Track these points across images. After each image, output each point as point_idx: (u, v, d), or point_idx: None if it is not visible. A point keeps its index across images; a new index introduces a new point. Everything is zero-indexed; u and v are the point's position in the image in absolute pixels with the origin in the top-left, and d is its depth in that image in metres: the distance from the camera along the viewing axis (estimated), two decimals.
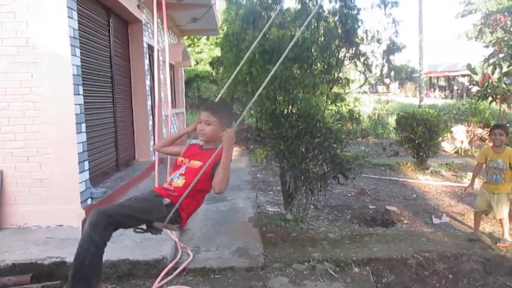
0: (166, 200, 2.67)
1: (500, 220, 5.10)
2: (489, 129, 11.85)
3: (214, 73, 19.82)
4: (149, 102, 8.33)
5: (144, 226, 2.75)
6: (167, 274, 3.92)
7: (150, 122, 8.33)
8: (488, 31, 8.76)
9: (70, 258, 3.92)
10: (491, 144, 5.28)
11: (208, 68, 22.34)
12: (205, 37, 22.76)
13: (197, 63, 23.12)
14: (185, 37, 16.49)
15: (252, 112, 5.66)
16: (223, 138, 2.65)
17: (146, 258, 4.05)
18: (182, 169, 2.81)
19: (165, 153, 3.27)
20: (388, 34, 5.85)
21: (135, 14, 7.43)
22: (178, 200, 2.65)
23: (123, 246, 4.35)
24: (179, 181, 2.74)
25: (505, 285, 4.14)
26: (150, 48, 8.51)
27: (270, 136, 5.24)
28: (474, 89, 25.97)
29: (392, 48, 5.91)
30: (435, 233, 5.32)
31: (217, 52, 22.84)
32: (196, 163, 2.76)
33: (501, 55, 8.30)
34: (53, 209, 4.77)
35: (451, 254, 4.55)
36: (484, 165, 5.13)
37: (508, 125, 5.69)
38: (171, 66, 11.55)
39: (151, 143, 8.34)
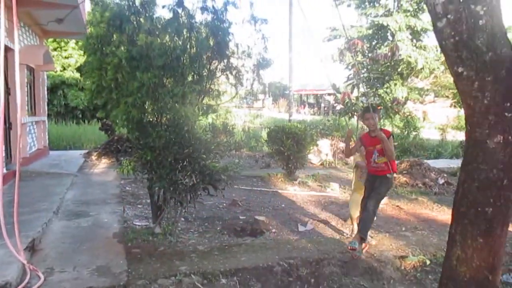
0: (389, 175, 4.96)
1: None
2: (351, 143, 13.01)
3: (82, 80, 18.54)
4: None
5: None
6: None
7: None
8: (349, 55, 9.59)
9: None
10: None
11: (76, 74, 20.85)
12: (74, 41, 21.23)
13: (64, 68, 21.41)
14: (50, 39, 15.17)
15: (117, 121, 5.34)
16: (379, 134, 4.76)
17: None
18: (375, 153, 4.92)
19: (354, 152, 5.51)
20: (258, 49, 6.03)
21: None
22: (390, 167, 4.90)
23: None
24: (381, 159, 4.89)
25: (359, 285, 4.47)
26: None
27: (137, 146, 4.99)
28: (339, 107, 28.50)
29: (262, 63, 6.10)
30: (300, 240, 5.56)
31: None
32: (379, 146, 4.84)
33: (358, 77, 9.19)
34: None
35: (313, 259, 4.79)
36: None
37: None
38: (31, 70, 10.48)
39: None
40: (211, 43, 5.63)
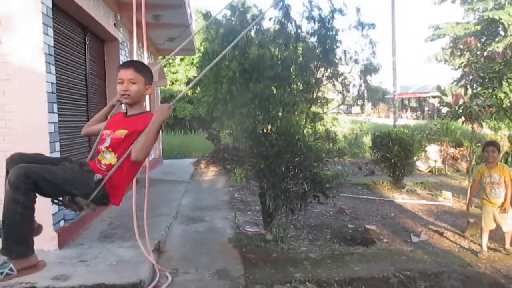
0: (98, 176, 2.30)
1: (506, 232, 5.36)
2: (461, 149, 12.14)
3: (189, 93, 19.74)
4: None
5: (63, 198, 2.41)
6: None
7: None
8: (457, 54, 8.98)
9: (41, 283, 3.75)
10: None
11: (183, 88, 22.27)
12: (179, 58, 22.75)
13: (172, 83, 23.04)
14: (160, 57, 16.46)
15: (230, 131, 5.61)
16: (159, 107, 2.44)
17: (122, 281, 3.89)
18: (106, 141, 2.41)
19: (92, 134, 2.71)
20: (365, 55, 5.95)
21: (111, 33, 7.34)
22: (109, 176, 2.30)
23: (97, 269, 4.18)
24: (108, 156, 2.38)
25: None
26: None
27: (249, 155, 5.19)
28: (444, 109, 26.76)
29: (369, 69, 6.01)
30: (415, 251, 5.33)
31: (193, 72, 22.86)
32: (121, 132, 2.38)
33: (470, 77, 8.55)
34: None
35: (432, 272, 4.55)
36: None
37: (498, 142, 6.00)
38: None
39: None
40: (318, 51, 5.69)
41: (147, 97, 2.96)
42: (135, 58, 5.43)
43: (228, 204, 7.52)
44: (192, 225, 6.12)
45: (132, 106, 2.49)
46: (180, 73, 23.05)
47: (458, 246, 5.72)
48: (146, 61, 4.98)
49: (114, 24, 7.68)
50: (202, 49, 5.56)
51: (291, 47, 5.56)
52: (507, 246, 5.33)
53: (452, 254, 5.24)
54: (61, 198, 2.41)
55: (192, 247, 5.19)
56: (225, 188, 8.90)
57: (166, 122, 21.93)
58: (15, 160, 2.27)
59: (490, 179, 5.31)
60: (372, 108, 33.35)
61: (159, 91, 12.98)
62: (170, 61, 22.80)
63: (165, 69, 22.30)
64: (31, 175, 2.08)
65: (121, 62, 7.95)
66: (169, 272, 4.32)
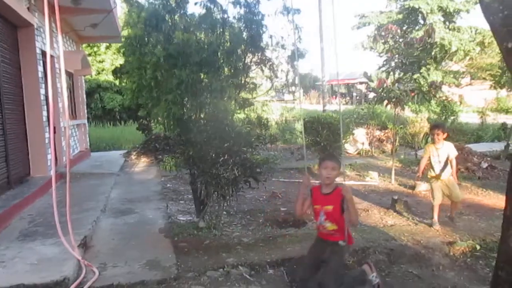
0: (341, 242, 3.54)
1: (456, 202, 5.78)
2: (386, 131, 12.78)
3: (117, 83, 19.00)
4: (44, 113, 7.69)
5: None
6: None
7: (47, 135, 7.67)
8: (381, 41, 9.36)
9: None
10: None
11: (111, 78, 21.37)
12: (106, 46, 21.78)
13: (99, 72, 22.03)
14: (84, 45, 15.62)
15: (158, 119, 5.45)
16: (346, 192, 3.44)
17: (44, 281, 3.67)
18: (321, 215, 3.54)
19: (307, 210, 3.75)
20: (292, 40, 6.00)
21: (25, 17, 6.82)
22: (344, 235, 3.53)
23: (15, 270, 3.92)
24: (329, 225, 3.53)
25: (407, 272, 4.40)
26: (45, 54, 7.87)
27: (178, 143, 5.08)
28: (371, 95, 27.98)
29: (296, 54, 6.08)
30: None
31: (121, 61, 21.99)
32: (329, 207, 3.50)
33: (393, 63, 8.98)
34: None
35: (359, 247, 4.75)
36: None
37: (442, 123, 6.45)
38: (70, 75, 10.82)
39: (49, 156, 7.69)
40: (245, 36, 5.65)
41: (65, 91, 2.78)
42: (51, 45, 5.08)
43: (159, 194, 7.35)
44: (122, 218, 5.91)
45: (328, 185, 3.57)
46: (107, 62, 22.07)
47: (384, 222, 6.02)
48: (61, 47, 4.67)
49: (28, 8, 7.14)
50: (123, 34, 5.31)
51: (217, 32, 5.47)
52: (453, 214, 5.81)
53: (378, 230, 5.50)
54: None
55: (121, 240, 5.01)
56: (157, 178, 8.69)
57: (94, 114, 21.01)
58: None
59: (438, 158, 5.69)
60: (304, 95, 34.14)
61: (83, 80, 12.34)
62: (95, 49, 21.75)
63: (90, 58, 21.25)
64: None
65: (37, 50, 7.44)
66: (96, 267, 4.14)
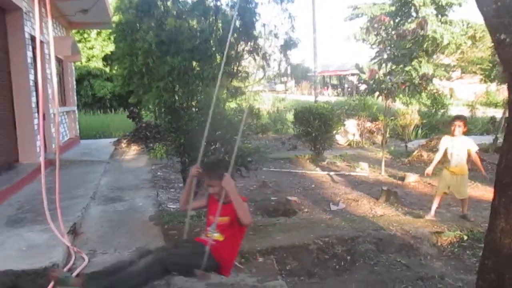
0: (207, 249, 2.76)
1: (463, 199, 5.69)
2: (377, 123, 12.84)
3: (108, 70, 18.79)
4: (33, 99, 7.58)
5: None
6: None
7: (36, 121, 7.58)
8: (373, 33, 9.35)
9: None
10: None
11: (101, 65, 21.13)
12: (96, 32, 21.48)
13: (89, 59, 21.73)
14: (74, 31, 15.40)
15: (150, 106, 5.41)
16: (224, 186, 2.75)
17: (33, 266, 3.64)
18: (213, 225, 2.90)
19: (194, 209, 3.46)
20: (285, 29, 5.96)
21: (13, 0, 6.68)
22: (218, 249, 2.82)
23: (3, 256, 3.88)
24: (216, 234, 2.87)
25: (396, 261, 4.45)
26: (34, 39, 7.74)
27: (169, 130, 5.05)
28: (363, 87, 28.05)
29: (289, 43, 6.04)
30: (333, 219, 5.57)
31: (111, 48, 21.72)
32: (224, 219, 2.86)
33: (385, 55, 8.99)
34: None
35: (348, 237, 4.79)
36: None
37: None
38: (59, 61, 10.68)
39: (37, 143, 7.60)
40: (238, 24, 5.60)
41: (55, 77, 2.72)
42: (40, 30, 4.99)
43: (150, 182, 7.32)
44: (111, 205, 5.88)
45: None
46: (97, 48, 21.77)
47: (373, 212, 6.07)
48: (51, 32, 4.59)
49: None
50: (114, 20, 5.23)
51: (210, 19, 5.41)
52: (465, 211, 5.70)
53: (367, 220, 5.55)
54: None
55: (111, 227, 4.99)
56: (147, 166, 8.65)
57: (84, 101, 20.79)
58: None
59: (454, 150, 5.54)
60: (295, 86, 34.12)
61: (73, 67, 12.18)
62: (85, 35, 21.45)
63: (80, 45, 20.96)
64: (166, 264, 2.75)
65: (26, 35, 7.31)
66: (86, 253, 4.13)
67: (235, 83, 5.89)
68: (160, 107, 4.81)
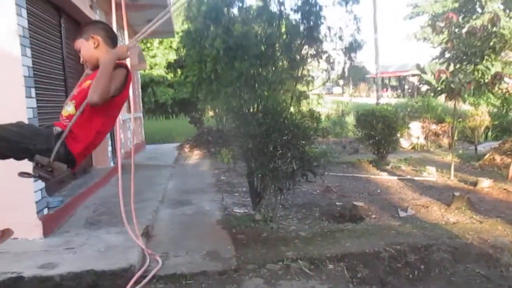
0: (57, 129, 2.14)
1: None
2: (443, 125, 12.30)
3: (170, 77, 19.43)
4: None
5: (29, 166, 2.18)
6: (136, 283, 3.70)
7: None
8: (441, 31, 8.94)
9: (27, 272, 3.64)
10: None
11: (162, 72, 21.92)
12: (158, 41, 22.34)
13: (151, 67, 22.65)
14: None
15: (214, 113, 5.51)
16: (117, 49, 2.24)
17: (112, 267, 3.81)
18: (71, 95, 2.35)
19: None
20: (350, 31, 5.88)
21: (87, 14, 7.08)
22: (70, 131, 2.12)
23: (85, 256, 4.09)
24: (69, 108, 2.22)
25: (474, 272, 4.21)
26: None
27: (236, 135, 5.11)
28: (424, 87, 27.06)
29: (354, 45, 5.95)
30: (403, 225, 5.37)
31: (172, 56, 22.48)
32: (87, 83, 2.24)
33: (449, 54, 8.58)
34: (6, 221, 4.40)
35: (421, 245, 4.59)
36: None
37: None
38: None
39: (109, 148, 7.99)
40: (302, 28, 5.60)
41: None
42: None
43: (214, 186, 7.46)
44: (180, 208, 6.05)
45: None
46: (159, 56, 22.65)
47: (445, 219, 5.79)
48: (127, 43, 4.79)
49: (90, 6, 7.41)
50: (182, 28, 5.39)
51: (274, 24, 5.44)
52: None
53: (440, 227, 5.29)
54: (26, 171, 2.21)
55: (180, 230, 5.12)
56: (211, 171, 8.82)
57: (147, 107, 21.65)
58: None
59: None
60: (353, 88, 33.49)
61: (139, 75, 12.71)
62: (148, 44, 22.38)
63: (143, 53, 21.91)
64: None
65: None
66: (159, 255, 4.26)
67: (300, 87, 5.88)
68: (228, 112, 4.89)
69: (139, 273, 3.84)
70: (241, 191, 7.11)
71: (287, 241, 4.76)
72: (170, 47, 22.84)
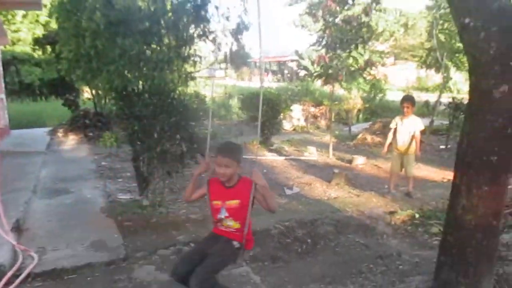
0: (235, 244, 2.88)
1: (408, 177, 6.02)
2: (321, 107, 13.11)
3: (37, 55, 17.53)
4: None
5: None
6: (8, 284, 3.28)
7: None
8: (312, 20, 9.45)
9: None
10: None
11: (28, 49, 19.68)
12: (21, 14, 19.96)
13: (14, 43, 20.14)
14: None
15: (99, 92, 5.08)
16: (257, 180, 2.80)
17: None
18: (223, 211, 2.88)
19: (196, 199, 3.20)
20: (238, 12, 5.83)
21: None
22: (242, 237, 2.89)
23: None
24: (232, 223, 2.90)
25: (355, 241, 4.55)
26: None
27: (120, 117, 4.78)
28: (302, 72, 28.58)
29: (241, 27, 5.92)
30: (290, 203, 5.60)
31: (40, 31, 20.25)
32: (233, 202, 2.86)
33: (327, 41, 9.11)
34: None
35: (308, 220, 4.84)
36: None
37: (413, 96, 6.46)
38: None
39: None
40: (189, 6, 5.39)
41: None
42: None
43: (95, 172, 6.95)
44: (57, 198, 5.52)
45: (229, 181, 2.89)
46: (24, 32, 20.24)
47: (327, 194, 6.18)
48: None
49: None
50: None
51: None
52: (410, 189, 6.03)
53: (323, 202, 5.64)
54: None
55: (59, 222, 4.68)
56: (90, 156, 8.20)
57: (10, 89, 19.31)
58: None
59: (403, 130, 5.85)
60: (235, 72, 33.95)
61: None
62: (9, 17, 19.84)
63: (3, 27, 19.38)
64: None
65: None
66: (34, 251, 3.83)
67: (187, 67, 5.69)
68: (111, 92, 4.52)
69: (11, 272, 3.41)
70: (126, 177, 6.73)
71: (178, 225, 4.65)
72: (37, 21, 20.58)
